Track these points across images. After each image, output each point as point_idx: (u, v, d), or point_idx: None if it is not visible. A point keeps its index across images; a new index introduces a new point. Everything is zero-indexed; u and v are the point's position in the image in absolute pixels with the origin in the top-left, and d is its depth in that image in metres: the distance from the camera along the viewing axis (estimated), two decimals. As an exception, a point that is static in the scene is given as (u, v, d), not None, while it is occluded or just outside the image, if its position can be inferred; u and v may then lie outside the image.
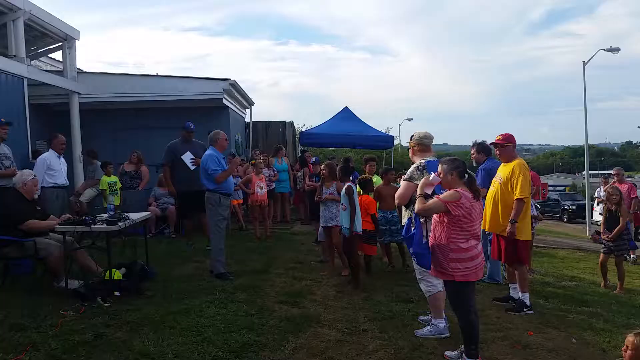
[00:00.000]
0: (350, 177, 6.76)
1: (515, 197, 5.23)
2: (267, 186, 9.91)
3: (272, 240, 9.27)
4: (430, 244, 3.99)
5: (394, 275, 6.73)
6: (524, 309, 5.32)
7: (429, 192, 4.02)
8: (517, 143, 5.89)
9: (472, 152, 6.98)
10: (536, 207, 8.17)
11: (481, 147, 6.83)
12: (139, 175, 9.98)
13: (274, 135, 15.82)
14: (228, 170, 6.48)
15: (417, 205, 3.92)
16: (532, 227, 6.60)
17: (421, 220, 4.07)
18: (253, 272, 6.69)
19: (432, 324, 4.51)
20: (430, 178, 4.03)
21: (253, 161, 10.31)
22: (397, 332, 4.53)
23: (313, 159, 10.32)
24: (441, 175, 3.96)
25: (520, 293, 5.46)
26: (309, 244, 8.81)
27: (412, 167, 4.51)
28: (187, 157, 8.12)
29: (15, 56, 9.50)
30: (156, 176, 10.38)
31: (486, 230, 5.69)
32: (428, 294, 4.52)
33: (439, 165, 4.01)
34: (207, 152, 6.53)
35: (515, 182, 5.28)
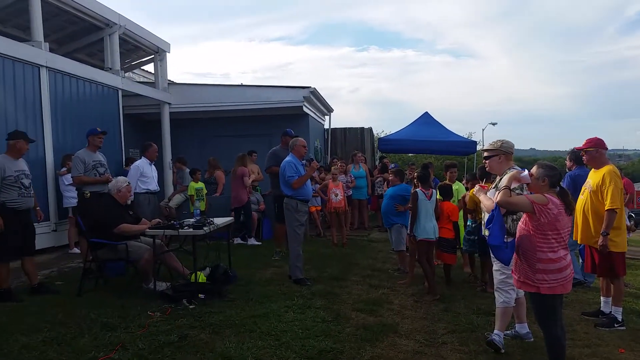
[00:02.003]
0: (432, 184, 6.70)
1: (606, 208, 4.94)
2: (345, 192, 9.95)
3: (349, 247, 9.29)
4: (515, 253, 3.84)
5: (475, 286, 6.53)
6: (615, 325, 5.01)
7: (514, 186, 3.90)
8: (610, 148, 5.58)
9: (566, 159, 6.89)
10: (630, 216, 7.67)
11: (572, 155, 6.67)
12: (213, 181, 10.37)
13: (352, 141, 15.87)
14: (305, 176, 6.57)
15: (501, 197, 3.74)
16: (626, 238, 6.20)
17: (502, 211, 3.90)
18: (330, 278, 6.73)
19: (495, 334, 4.31)
20: (522, 174, 3.87)
21: (332, 166, 10.44)
22: (478, 346, 4.38)
23: (392, 165, 10.27)
24: (532, 177, 3.80)
25: (613, 307, 5.15)
26: (387, 251, 8.74)
27: (507, 176, 4.19)
28: None
29: (110, 69, 10.19)
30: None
31: (578, 242, 5.42)
32: (502, 305, 4.32)
33: (535, 167, 3.85)
34: (286, 158, 6.67)
35: (605, 192, 4.99)
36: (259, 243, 9.65)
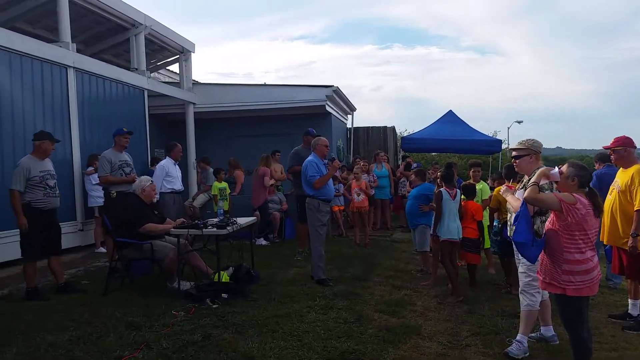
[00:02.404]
0: (456, 184, 6.64)
1: (635, 208, 4.83)
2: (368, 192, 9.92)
3: (371, 248, 9.26)
4: (540, 254, 3.77)
5: (500, 287, 6.44)
6: None
7: (542, 183, 3.85)
8: (638, 147, 5.48)
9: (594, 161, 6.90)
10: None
11: (598, 155, 6.68)
12: (233, 180, 10.46)
13: (374, 140, 15.81)
14: (327, 175, 6.57)
15: (528, 193, 3.66)
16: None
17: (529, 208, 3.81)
18: (352, 279, 6.72)
19: (517, 341, 4.23)
20: (552, 171, 3.78)
21: (355, 166, 10.42)
22: (502, 349, 4.29)
23: (414, 165, 10.20)
24: (562, 176, 3.73)
25: (640, 310, 5.06)
26: (410, 252, 8.68)
27: (536, 174, 4.21)
28: None
29: (136, 69, 10.32)
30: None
31: (604, 242, 5.30)
32: (527, 308, 4.25)
33: (565, 166, 3.77)
34: (308, 158, 6.69)
35: (634, 191, 4.88)
36: (267, 243, 9.71)
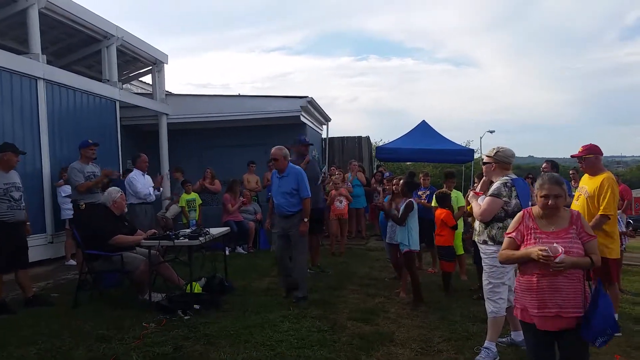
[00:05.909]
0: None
1: (600, 212, 4.96)
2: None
3: (346, 256, 9.29)
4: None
5: (472, 293, 6.51)
6: None
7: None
8: (608, 155, 5.63)
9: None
10: (629, 222, 7.70)
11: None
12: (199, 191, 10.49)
13: (350, 150, 15.89)
14: None
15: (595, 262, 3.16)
16: (622, 245, 6.21)
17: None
18: (327, 287, 6.72)
19: (485, 348, 4.28)
20: (558, 248, 3.08)
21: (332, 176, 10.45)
22: (474, 354, 4.35)
23: (386, 174, 10.26)
24: (562, 200, 3.25)
25: (608, 314, 5.15)
26: (384, 260, 8.70)
27: (498, 184, 4.29)
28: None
29: (108, 80, 10.22)
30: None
31: None
32: (492, 315, 4.30)
33: (561, 200, 3.22)
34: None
35: (602, 197, 5.00)
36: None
